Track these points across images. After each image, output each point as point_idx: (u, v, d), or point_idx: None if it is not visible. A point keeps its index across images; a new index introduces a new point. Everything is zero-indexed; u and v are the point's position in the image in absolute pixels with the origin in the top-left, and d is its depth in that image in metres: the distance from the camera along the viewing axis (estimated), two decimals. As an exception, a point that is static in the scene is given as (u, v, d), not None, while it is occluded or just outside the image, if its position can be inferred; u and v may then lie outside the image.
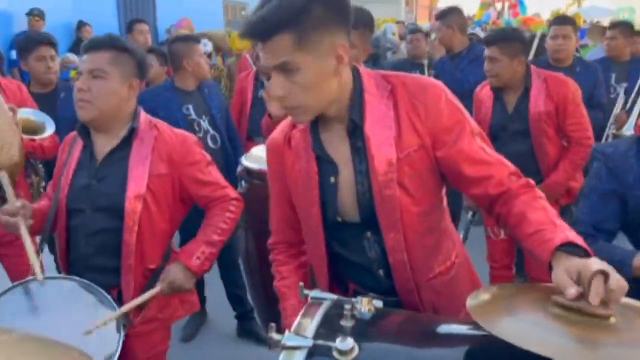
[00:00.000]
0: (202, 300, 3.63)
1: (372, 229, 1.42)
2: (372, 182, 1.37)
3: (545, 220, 1.23)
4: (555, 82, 2.95)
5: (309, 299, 1.24)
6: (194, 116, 3.37)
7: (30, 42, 3.31)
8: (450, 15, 4.17)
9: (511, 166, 1.39)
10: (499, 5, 14.10)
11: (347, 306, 1.15)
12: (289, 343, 1.06)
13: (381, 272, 1.45)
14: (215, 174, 2.03)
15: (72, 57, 6.15)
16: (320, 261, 1.51)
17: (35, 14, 7.10)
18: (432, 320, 1.34)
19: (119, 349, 1.69)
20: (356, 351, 1.04)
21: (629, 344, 0.94)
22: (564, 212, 2.90)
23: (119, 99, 1.87)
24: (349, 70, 1.36)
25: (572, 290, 1.02)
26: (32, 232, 1.94)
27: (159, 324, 1.99)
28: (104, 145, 1.92)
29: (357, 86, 1.37)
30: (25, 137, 2.46)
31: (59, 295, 1.81)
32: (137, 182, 1.86)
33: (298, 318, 1.16)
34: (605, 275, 1.02)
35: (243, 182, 2.67)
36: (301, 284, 1.30)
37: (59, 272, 2.01)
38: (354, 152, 1.39)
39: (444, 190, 1.51)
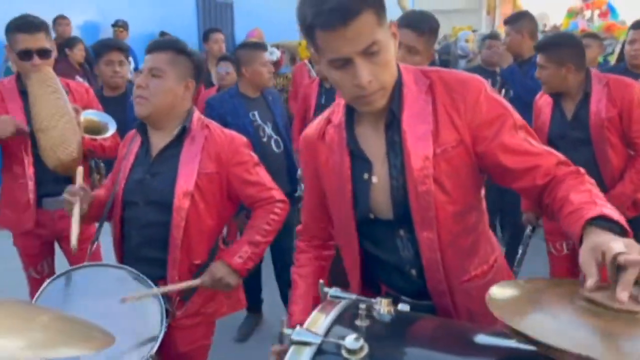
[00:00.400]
0: (259, 301, 3.69)
1: (405, 227, 1.39)
2: (407, 178, 1.34)
3: (587, 200, 1.14)
4: (619, 85, 2.76)
5: (328, 297, 1.23)
6: (259, 122, 3.45)
7: (102, 47, 3.52)
8: (520, 20, 4.01)
9: (560, 156, 1.32)
10: (587, 14, 13.46)
11: (363, 306, 1.13)
12: (298, 338, 1.05)
13: (414, 272, 1.41)
14: (262, 175, 2.06)
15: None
16: (352, 261, 1.49)
17: (119, 25, 7.51)
18: (457, 327, 1.29)
19: (161, 337, 1.74)
20: (365, 351, 1.01)
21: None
22: (631, 226, 2.72)
23: (174, 97, 1.94)
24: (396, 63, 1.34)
25: (590, 283, 0.96)
26: (89, 219, 2.06)
27: (202, 319, 2.04)
28: (158, 142, 2.00)
29: (399, 82, 1.35)
30: (87, 136, 2.61)
31: (109, 281, 1.89)
32: (186, 179, 1.92)
33: (313, 313, 1.15)
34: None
35: (303, 185, 2.72)
36: (321, 281, 1.28)
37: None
38: (389, 146, 1.37)
39: (482, 192, 1.46)
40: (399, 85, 1.34)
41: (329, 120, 1.48)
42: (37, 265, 2.88)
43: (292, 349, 1.04)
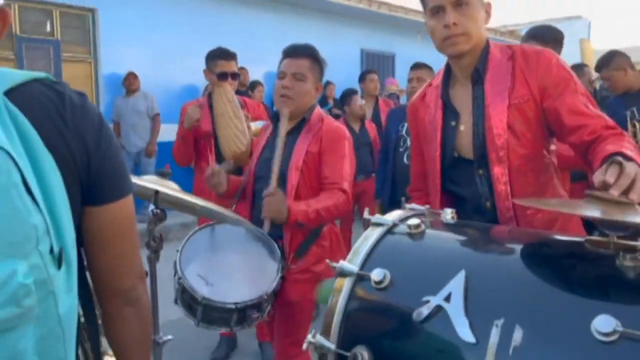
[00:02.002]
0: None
1: (483, 167, 1.73)
2: (485, 125, 1.69)
3: (617, 148, 1.39)
4: None
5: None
6: (403, 133, 3.97)
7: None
8: (614, 59, 3.99)
9: (609, 121, 1.59)
10: None
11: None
12: (374, 220, 1.44)
13: (488, 204, 1.73)
14: (346, 168, 2.37)
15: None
16: (434, 198, 1.85)
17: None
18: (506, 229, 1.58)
19: (277, 281, 2.15)
20: (422, 227, 1.38)
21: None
22: None
23: (310, 98, 2.43)
24: (486, 34, 1.74)
25: (599, 178, 1.23)
26: (227, 196, 2.52)
27: (311, 276, 2.35)
28: (285, 128, 2.43)
29: (486, 48, 1.74)
30: (255, 138, 3.28)
31: (240, 236, 2.32)
32: (297, 157, 2.35)
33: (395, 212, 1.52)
34: (619, 163, 1.21)
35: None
36: (367, 209, 1.55)
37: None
38: (474, 101, 1.74)
39: (552, 147, 1.75)
40: (485, 52, 1.73)
41: (430, 84, 1.90)
42: None
43: (369, 228, 1.44)
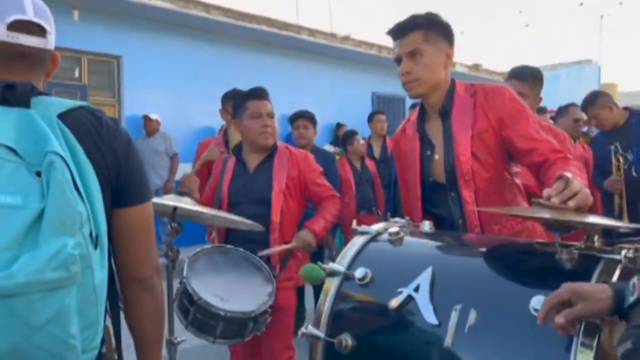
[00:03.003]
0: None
1: (454, 190, 1.97)
2: (453, 153, 1.96)
3: (565, 171, 1.60)
4: None
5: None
6: None
7: (295, 116, 4.75)
8: (598, 98, 4.21)
9: (557, 145, 1.85)
10: None
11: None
12: (360, 230, 1.67)
13: (460, 221, 1.96)
14: (324, 178, 2.85)
15: (328, 147, 7.63)
16: (417, 218, 2.08)
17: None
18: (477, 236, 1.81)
19: (275, 288, 2.42)
20: (401, 235, 1.61)
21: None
22: None
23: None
24: (449, 75, 2.02)
25: (546, 192, 1.46)
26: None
27: (294, 283, 2.70)
28: (254, 158, 2.80)
29: (451, 87, 2.02)
30: None
31: (231, 259, 2.57)
32: (280, 182, 2.70)
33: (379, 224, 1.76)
34: (566, 180, 1.45)
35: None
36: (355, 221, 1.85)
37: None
38: (444, 133, 2.01)
39: (513, 170, 2.00)
40: (451, 91, 2.00)
41: (408, 120, 2.19)
42: None
43: (357, 235, 1.67)
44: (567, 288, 1.11)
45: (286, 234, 2.70)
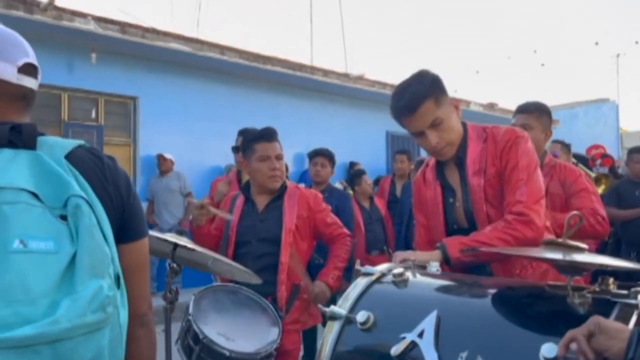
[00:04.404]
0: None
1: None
2: (470, 199, 1.94)
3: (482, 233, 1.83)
4: None
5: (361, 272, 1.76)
6: None
7: (313, 153, 4.74)
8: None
9: (519, 196, 1.85)
10: None
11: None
12: (364, 271, 1.61)
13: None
14: (334, 216, 2.87)
15: (338, 184, 7.61)
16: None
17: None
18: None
19: (280, 330, 2.35)
20: (406, 276, 1.55)
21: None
22: None
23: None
24: (460, 125, 1.99)
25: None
26: (200, 233, 2.79)
27: (299, 326, 2.68)
28: (260, 199, 2.81)
29: (464, 135, 2.00)
30: None
31: (237, 298, 2.52)
32: (290, 221, 2.70)
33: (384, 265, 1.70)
34: None
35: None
36: (358, 261, 1.80)
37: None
38: (461, 180, 1.99)
39: None
40: (465, 139, 1.99)
41: (427, 165, 2.16)
42: None
43: (360, 277, 1.61)
44: (593, 319, 1.07)
45: (294, 275, 2.67)
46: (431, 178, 2.09)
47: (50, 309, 0.93)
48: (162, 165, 7.74)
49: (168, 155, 7.75)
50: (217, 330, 2.27)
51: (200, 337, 2.18)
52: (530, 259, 1.84)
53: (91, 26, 6.93)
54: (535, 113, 2.93)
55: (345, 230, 2.85)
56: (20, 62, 1.17)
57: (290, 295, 2.65)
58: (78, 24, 6.84)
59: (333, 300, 4.20)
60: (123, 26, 7.33)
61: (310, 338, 3.89)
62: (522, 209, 1.82)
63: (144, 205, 7.88)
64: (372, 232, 5.13)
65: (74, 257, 0.98)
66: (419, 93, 1.88)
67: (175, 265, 2.13)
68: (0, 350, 0.89)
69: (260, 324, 2.42)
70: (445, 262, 1.80)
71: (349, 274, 4.44)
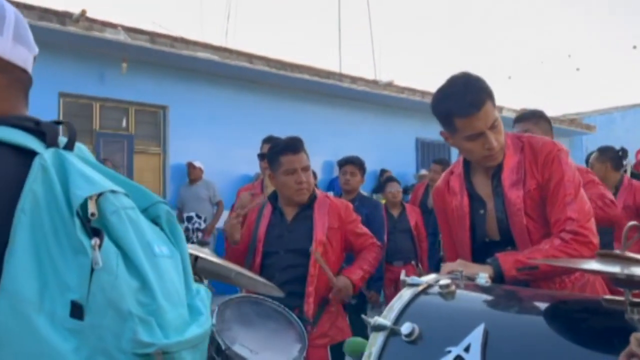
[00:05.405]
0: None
1: (511, 245, 1.85)
2: (507, 213, 1.86)
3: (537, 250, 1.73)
4: None
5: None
6: None
7: (343, 161, 4.68)
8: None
9: (570, 213, 1.76)
10: None
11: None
12: (409, 281, 1.56)
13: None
14: (363, 226, 2.81)
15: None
16: None
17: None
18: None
19: (306, 347, 2.26)
20: (452, 288, 1.49)
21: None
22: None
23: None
24: None
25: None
26: (234, 249, 2.73)
27: (328, 341, 2.59)
28: (288, 209, 2.76)
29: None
30: None
31: (262, 310, 2.43)
32: (320, 233, 2.63)
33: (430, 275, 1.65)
34: None
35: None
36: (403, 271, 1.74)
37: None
38: (493, 191, 1.91)
39: None
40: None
41: (451, 172, 2.07)
42: None
43: (405, 287, 1.56)
44: None
45: (322, 288, 2.60)
46: (457, 187, 1.99)
47: (189, 310, 0.95)
48: (192, 173, 7.78)
49: (198, 164, 7.79)
50: (241, 342, 2.20)
51: (223, 348, 2.11)
52: (587, 272, 1.75)
53: (121, 36, 7.01)
54: (533, 119, 2.95)
55: (376, 241, 2.80)
56: (35, 52, 1.07)
57: (317, 308, 2.58)
58: (109, 34, 6.92)
59: (362, 311, 4.21)
60: (152, 36, 7.40)
61: (338, 355, 3.82)
62: (577, 228, 1.74)
63: (174, 214, 7.93)
64: (394, 241, 5.01)
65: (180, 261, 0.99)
66: (483, 91, 1.80)
67: (197, 277, 2.10)
68: (185, 351, 0.89)
69: (286, 338, 2.35)
70: (497, 278, 1.70)
71: (378, 285, 4.39)
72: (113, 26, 7.00)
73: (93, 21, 6.81)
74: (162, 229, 1.00)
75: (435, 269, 4.44)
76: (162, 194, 8.16)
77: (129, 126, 8.03)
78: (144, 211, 0.98)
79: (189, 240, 5.94)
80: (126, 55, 7.36)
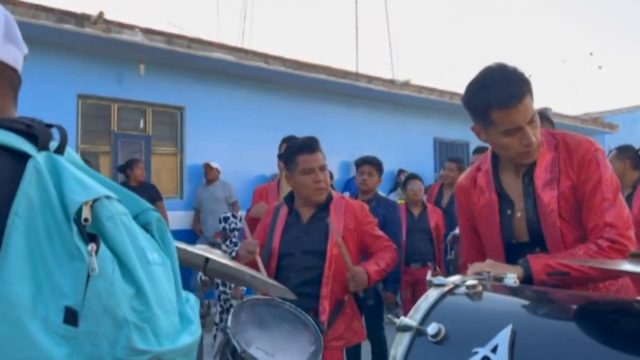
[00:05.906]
0: None
1: (540, 246, 1.79)
2: (539, 213, 1.79)
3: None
4: None
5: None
6: None
7: (360, 161, 4.64)
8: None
9: (609, 219, 1.68)
10: None
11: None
12: (436, 282, 1.52)
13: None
14: (379, 229, 2.80)
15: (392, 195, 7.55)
16: None
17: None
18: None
19: (321, 349, 2.24)
20: (479, 288, 1.45)
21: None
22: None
23: None
24: None
25: None
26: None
27: (343, 343, 2.55)
28: (305, 211, 2.73)
29: None
30: None
31: (277, 312, 2.42)
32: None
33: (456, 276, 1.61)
34: None
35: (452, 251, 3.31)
36: (429, 271, 1.69)
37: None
38: (524, 190, 1.84)
39: None
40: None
41: (478, 168, 1.99)
42: None
43: (431, 288, 1.52)
44: None
45: (337, 289, 2.57)
46: (484, 184, 1.91)
47: (180, 318, 0.94)
48: (209, 174, 7.79)
49: (214, 164, 7.80)
50: (256, 344, 2.19)
51: (239, 350, 2.11)
52: (618, 273, 1.69)
53: (139, 38, 7.04)
54: None
55: (392, 244, 2.77)
56: (26, 50, 1.04)
57: (333, 310, 2.55)
58: (126, 35, 6.96)
59: (378, 313, 4.14)
60: (169, 37, 7.42)
61: (354, 357, 3.78)
62: (616, 236, 1.66)
63: (191, 214, 7.95)
64: (412, 242, 4.91)
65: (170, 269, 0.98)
66: (523, 82, 1.71)
67: (206, 278, 2.08)
68: (177, 359, 0.89)
69: (301, 340, 2.33)
70: (526, 280, 1.65)
71: (395, 287, 4.33)
72: (130, 28, 7.03)
73: (110, 23, 6.85)
74: (152, 236, 0.98)
75: (446, 270, 4.38)
76: (179, 195, 8.18)
77: (146, 127, 8.07)
78: (135, 218, 0.96)
79: (227, 239, 5.94)
80: (143, 56, 7.39)
